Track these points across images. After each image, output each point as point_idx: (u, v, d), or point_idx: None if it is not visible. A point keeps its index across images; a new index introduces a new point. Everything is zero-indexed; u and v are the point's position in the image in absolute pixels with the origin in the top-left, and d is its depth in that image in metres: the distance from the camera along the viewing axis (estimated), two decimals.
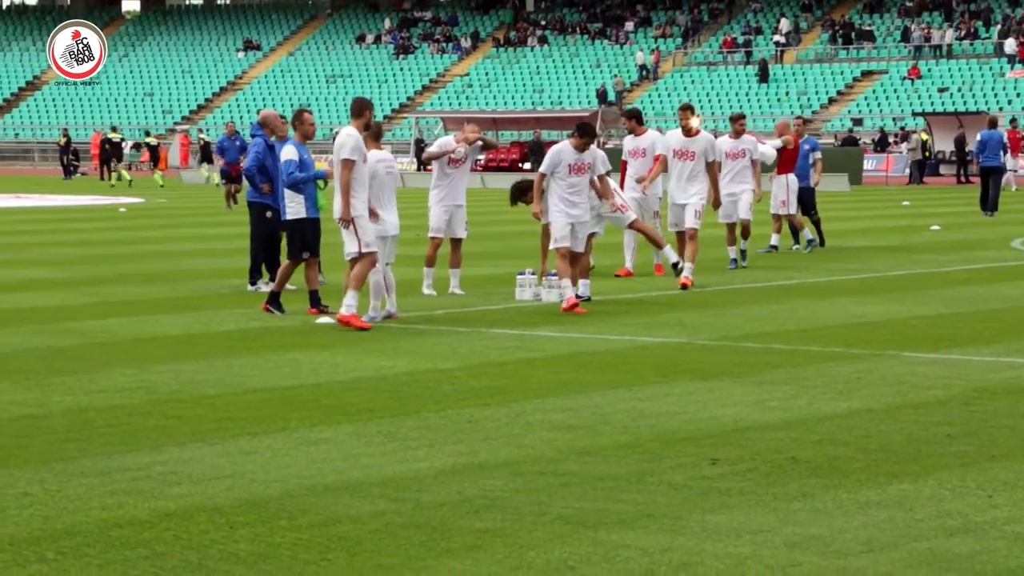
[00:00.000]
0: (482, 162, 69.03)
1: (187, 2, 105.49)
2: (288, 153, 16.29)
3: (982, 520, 7.43)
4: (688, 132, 19.00)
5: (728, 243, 21.46)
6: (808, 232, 24.85)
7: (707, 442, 9.33)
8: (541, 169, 16.60)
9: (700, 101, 78.05)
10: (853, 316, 15.91)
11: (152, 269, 22.05)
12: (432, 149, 18.07)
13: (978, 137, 37.11)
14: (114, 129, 66.71)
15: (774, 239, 24.56)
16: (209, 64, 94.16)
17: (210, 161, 64.27)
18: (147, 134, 71.27)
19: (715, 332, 14.66)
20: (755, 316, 15.95)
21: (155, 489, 8.12)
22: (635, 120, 20.49)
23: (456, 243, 18.18)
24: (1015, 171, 46.57)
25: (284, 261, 16.51)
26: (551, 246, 16.56)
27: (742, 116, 22.36)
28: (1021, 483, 8.22)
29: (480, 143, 18.26)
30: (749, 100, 77.53)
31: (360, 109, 15.13)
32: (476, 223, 33.37)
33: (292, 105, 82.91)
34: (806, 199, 24.96)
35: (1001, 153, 36.08)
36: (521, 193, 17.94)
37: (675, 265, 18.24)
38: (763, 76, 79.00)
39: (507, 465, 8.69)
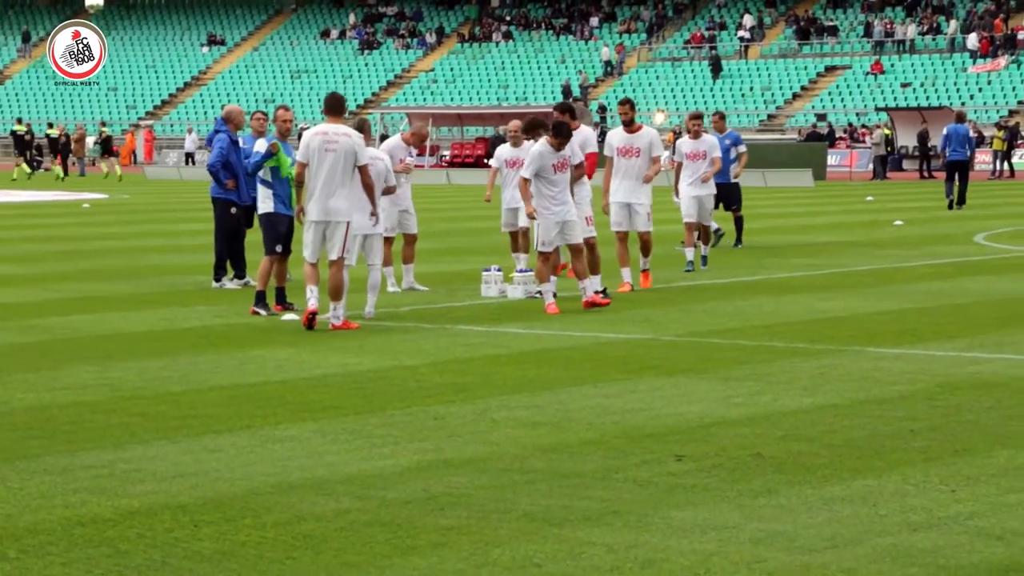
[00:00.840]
0: (447, 158, 69.00)
1: None
2: (259, 146, 16.20)
3: (945, 515, 7.46)
4: (629, 127, 18.46)
5: (687, 244, 20.62)
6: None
7: (672, 438, 9.35)
8: (525, 174, 16.19)
9: (665, 97, 78.18)
10: (817, 312, 15.96)
11: (116, 265, 21.95)
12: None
13: (944, 131, 37.53)
14: (19, 121, 66.54)
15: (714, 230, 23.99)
16: (173, 59, 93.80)
17: (23, 152, 63.84)
18: (50, 125, 70.49)
19: (680, 328, 14.69)
20: (720, 312, 15.99)
21: (118, 487, 8.08)
22: (569, 115, 19.80)
23: (410, 239, 18.14)
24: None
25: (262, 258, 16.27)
26: (537, 248, 16.26)
27: (700, 115, 21.42)
28: (984, 478, 8.26)
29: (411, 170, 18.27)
30: (713, 96, 77.71)
31: (343, 106, 14.85)
32: (442, 219, 33.27)
33: (257, 101, 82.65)
34: (725, 195, 23.64)
35: (966, 147, 36.52)
36: (541, 126, 17.09)
37: (590, 303, 16.45)
38: (715, 72, 79.17)
39: (472, 462, 8.68)
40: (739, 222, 24.78)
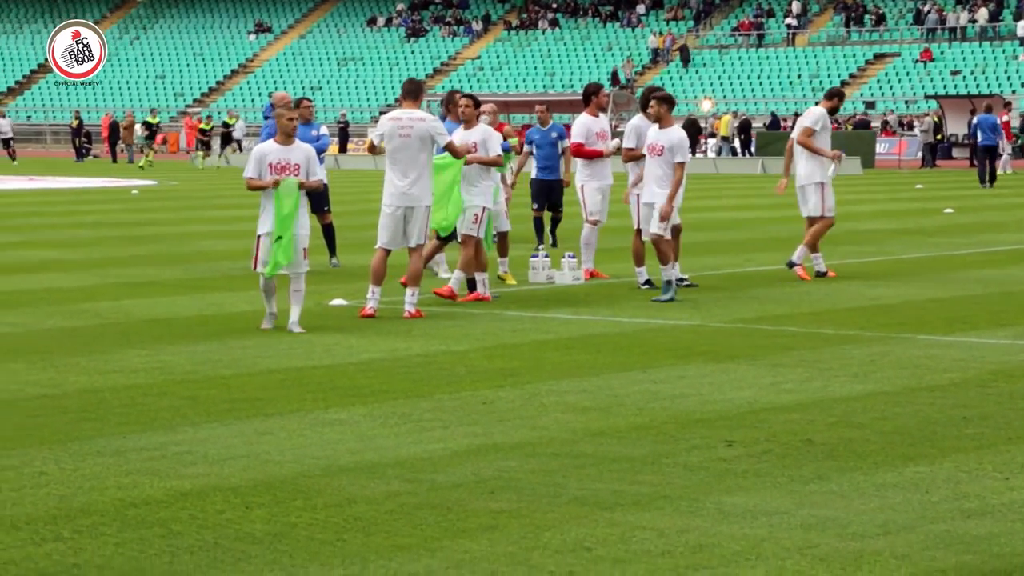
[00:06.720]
0: None
1: None
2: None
3: (999, 502, 7.41)
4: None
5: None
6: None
7: (722, 424, 9.32)
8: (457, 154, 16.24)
9: (712, 85, 77.86)
10: (867, 299, 15.88)
11: (165, 251, 22.06)
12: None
13: (974, 120, 45.39)
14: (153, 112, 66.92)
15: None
16: (220, 47, 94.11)
17: (229, 143, 64.44)
18: (152, 112, 70.68)
19: (728, 315, 14.64)
20: (768, 299, 15.93)
21: (170, 469, 8.12)
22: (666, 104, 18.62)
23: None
24: (1008, 153, 50.81)
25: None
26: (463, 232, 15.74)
27: (668, 98, 15.91)
28: None
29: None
30: (761, 83, 77.36)
31: (420, 91, 14.65)
32: None
33: (303, 88, 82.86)
34: (549, 192, 20.59)
35: (996, 134, 43.51)
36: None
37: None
38: (684, 60, 79.02)
39: (522, 447, 8.68)
40: (555, 222, 21.33)
